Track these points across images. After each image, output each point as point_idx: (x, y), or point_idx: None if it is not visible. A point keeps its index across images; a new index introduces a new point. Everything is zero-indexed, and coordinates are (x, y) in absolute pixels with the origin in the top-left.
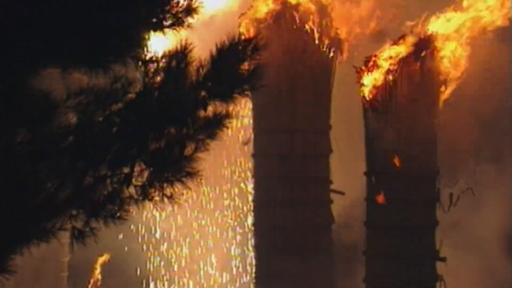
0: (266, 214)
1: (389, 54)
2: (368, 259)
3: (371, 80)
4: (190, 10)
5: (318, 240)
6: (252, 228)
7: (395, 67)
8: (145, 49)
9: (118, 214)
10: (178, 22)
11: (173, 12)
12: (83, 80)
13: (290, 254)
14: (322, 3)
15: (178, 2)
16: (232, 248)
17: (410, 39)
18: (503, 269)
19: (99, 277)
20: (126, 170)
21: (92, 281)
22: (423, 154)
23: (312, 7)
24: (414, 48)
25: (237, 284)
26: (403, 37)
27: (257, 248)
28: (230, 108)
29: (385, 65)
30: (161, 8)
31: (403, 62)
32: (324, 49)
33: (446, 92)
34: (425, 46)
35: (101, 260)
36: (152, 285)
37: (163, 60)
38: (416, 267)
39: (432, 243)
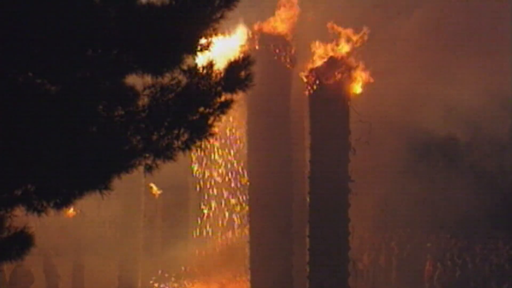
0: (256, 154)
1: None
2: (310, 182)
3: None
4: (211, 42)
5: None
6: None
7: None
8: (186, 62)
9: (171, 156)
10: (204, 48)
11: (200, 43)
12: (153, 79)
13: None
14: (286, 34)
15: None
16: None
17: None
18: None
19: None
20: (175, 132)
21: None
22: (338, 120)
23: (279, 36)
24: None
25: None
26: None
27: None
28: (234, 96)
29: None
30: (193, 40)
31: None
32: (285, 62)
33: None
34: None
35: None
36: None
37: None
38: (336, 186)
39: (346, 170)
